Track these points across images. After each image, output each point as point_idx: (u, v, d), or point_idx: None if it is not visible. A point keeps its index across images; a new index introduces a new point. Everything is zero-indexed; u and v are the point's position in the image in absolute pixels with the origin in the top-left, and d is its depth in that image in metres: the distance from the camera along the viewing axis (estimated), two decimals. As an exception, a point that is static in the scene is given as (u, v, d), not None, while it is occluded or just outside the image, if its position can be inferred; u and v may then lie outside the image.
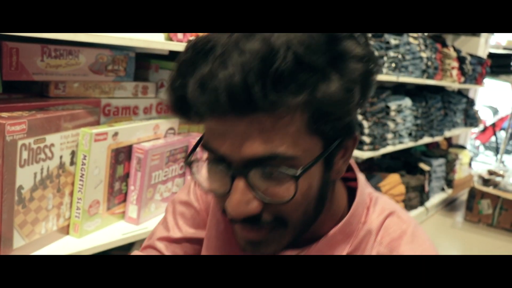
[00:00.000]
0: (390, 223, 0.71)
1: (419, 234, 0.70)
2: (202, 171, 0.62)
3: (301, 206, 0.60)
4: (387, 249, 0.68)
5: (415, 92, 3.90)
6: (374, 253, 0.69)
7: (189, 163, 0.62)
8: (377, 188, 3.26)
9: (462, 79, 4.23)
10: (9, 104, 1.09)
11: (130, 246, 1.52)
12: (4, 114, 1.01)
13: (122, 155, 1.32)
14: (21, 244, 1.08)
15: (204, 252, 0.81)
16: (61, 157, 1.15)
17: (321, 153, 0.58)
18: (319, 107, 0.54)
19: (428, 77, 3.60)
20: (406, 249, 0.68)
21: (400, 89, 3.71)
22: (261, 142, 0.54)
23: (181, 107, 0.56)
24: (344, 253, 0.69)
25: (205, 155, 0.61)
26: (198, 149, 0.62)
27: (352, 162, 0.74)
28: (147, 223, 1.41)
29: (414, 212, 3.83)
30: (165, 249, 0.84)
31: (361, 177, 0.73)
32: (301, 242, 0.70)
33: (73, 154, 1.19)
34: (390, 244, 0.69)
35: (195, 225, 0.84)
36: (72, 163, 1.20)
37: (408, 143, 3.52)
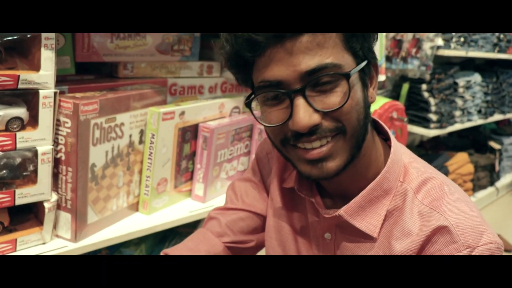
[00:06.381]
0: (432, 185, 0.75)
1: (461, 197, 0.74)
2: (262, 111, 0.73)
3: (353, 112, 0.68)
4: (428, 208, 0.72)
5: (485, 68, 3.71)
6: (415, 212, 0.73)
7: (248, 103, 0.72)
8: (444, 167, 3.15)
9: (538, 52, 3.98)
10: (82, 85, 1.13)
11: (196, 223, 1.55)
12: (78, 95, 1.05)
13: (189, 134, 1.34)
14: (94, 220, 1.12)
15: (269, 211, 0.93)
16: (130, 136, 1.18)
17: (358, 65, 0.69)
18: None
19: (500, 51, 3.41)
20: (447, 209, 0.71)
21: (468, 65, 3.55)
22: (311, 57, 0.65)
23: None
24: (384, 210, 0.75)
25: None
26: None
27: (389, 133, 0.81)
28: (213, 201, 1.43)
29: (483, 193, 3.69)
30: (221, 216, 0.95)
31: (394, 140, 0.79)
32: (339, 201, 0.79)
33: (141, 133, 1.22)
34: (432, 203, 0.72)
35: (252, 197, 0.97)
36: (141, 141, 1.23)
37: (477, 121, 3.38)
